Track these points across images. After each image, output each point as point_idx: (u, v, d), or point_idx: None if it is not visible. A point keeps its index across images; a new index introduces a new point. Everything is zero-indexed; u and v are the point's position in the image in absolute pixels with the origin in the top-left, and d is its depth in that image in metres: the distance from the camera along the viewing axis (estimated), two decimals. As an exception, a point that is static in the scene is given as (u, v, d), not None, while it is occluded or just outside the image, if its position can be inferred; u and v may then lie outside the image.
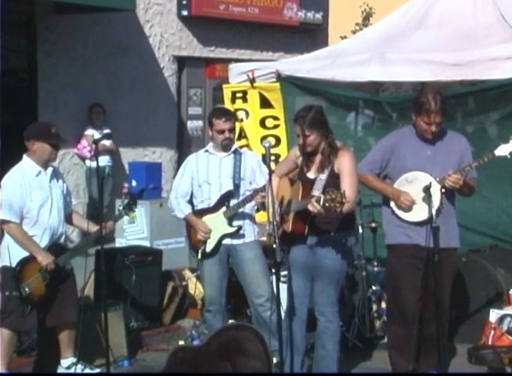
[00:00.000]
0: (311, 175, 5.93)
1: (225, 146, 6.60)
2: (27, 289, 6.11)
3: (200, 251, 6.56)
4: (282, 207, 6.00)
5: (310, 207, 5.46)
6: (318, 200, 5.39)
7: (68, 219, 6.50)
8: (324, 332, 5.94)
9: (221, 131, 6.52)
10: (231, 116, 6.73)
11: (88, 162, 10.99)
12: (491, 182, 7.34)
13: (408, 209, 5.88)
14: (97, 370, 6.54)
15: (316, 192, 5.71)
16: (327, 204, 5.31)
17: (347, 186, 5.67)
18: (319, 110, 5.97)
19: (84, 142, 11.06)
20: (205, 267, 6.62)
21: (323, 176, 5.82)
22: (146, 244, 8.96)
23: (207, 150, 6.70)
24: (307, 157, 5.96)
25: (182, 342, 7.03)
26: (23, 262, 6.14)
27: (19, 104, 10.64)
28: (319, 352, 6.01)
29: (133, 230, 9.22)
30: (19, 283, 6.10)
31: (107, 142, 10.66)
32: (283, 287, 6.09)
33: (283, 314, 5.60)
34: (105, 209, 9.96)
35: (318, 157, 5.92)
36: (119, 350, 6.94)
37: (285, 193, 6.05)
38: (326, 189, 5.47)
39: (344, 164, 5.80)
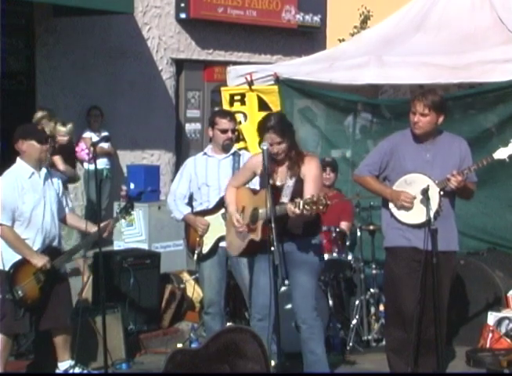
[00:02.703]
0: (277, 182, 5.84)
1: (226, 147, 6.61)
2: (20, 292, 6.09)
3: (196, 252, 6.58)
4: (244, 216, 5.91)
5: (289, 213, 5.42)
6: (297, 205, 5.36)
7: (64, 220, 6.47)
8: (310, 338, 5.89)
9: (225, 131, 6.56)
10: (234, 117, 6.80)
11: (86, 165, 10.97)
12: (487, 187, 7.34)
13: (408, 209, 5.87)
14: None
15: (285, 199, 5.67)
16: (308, 207, 5.30)
17: (310, 191, 5.64)
18: (285, 117, 6.06)
19: (82, 145, 11.04)
20: (204, 269, 6.64)
21: (291, 183, 5.76)
22: (145, 246, 8.96)
23: (205, 153, 6.72)
24: (274, 165, 5.84)
25: (180, 345, 7.07)
26: (17, 265, 6.12)
27: (17, 107, 10.63)
28: (308, 358, 5.93)
29: (131, 233, 9.22)
30: (12, 287, 6.08)
31: (105, 145, 10.64)
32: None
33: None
34: (103, 212, 9.95)
35: (284, 165, 5.84)
36: (117, 353, 6.93)
37: (246, 203, 5.95)
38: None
39: (311, 170, 5.77)
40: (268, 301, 5.61)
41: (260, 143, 5.82)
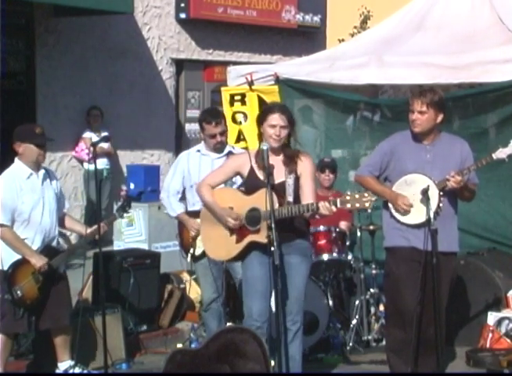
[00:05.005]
0: (271, 180, 5.46)
1: (218, 150, 6.60)
2: (19, 292, 6.09)
3: (189, 254, 6.61)
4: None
5: (325, 211, 5.28)
6: (334, 203, 5.26)
7: (61, 222, 6.46)
8: (297, 337, 5.68)
9: (213, 136, 6.49)
10: (220, 118, 6.59)
11: (86, 165, 10.99)
12: (489, 185, 7.34)
13: (405, 212, 5.88)
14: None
15: (289, 197, 5.47)
16: (349, 205, 5.23)
17: (311, 189, 5.58)
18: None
19: (82, 145, 11.06)
20: (200, 270, 6.65)
21: (290, 181, 5.54)
22: (144, 246, 8.96)
23: (199, 150, 6.67)
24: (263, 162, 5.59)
25: (180, 345, 7.08)
26: (15, 265, 6.12)
27: (17, 107, 10.63)
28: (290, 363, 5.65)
29: (131, 233, 9.22)
30: (11, 286, 6.08)
31: (105, 145, 10.65)
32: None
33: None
34: (103, 212, 9.95)
35: (278, 161, 5.57)
36: (117, 353, 6.94)
37: (235, 204, 5.62)
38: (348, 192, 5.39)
39: (307, 167, 5.62)
40: (265, 307, 5.55)
41: (259, 137, 5.72)
